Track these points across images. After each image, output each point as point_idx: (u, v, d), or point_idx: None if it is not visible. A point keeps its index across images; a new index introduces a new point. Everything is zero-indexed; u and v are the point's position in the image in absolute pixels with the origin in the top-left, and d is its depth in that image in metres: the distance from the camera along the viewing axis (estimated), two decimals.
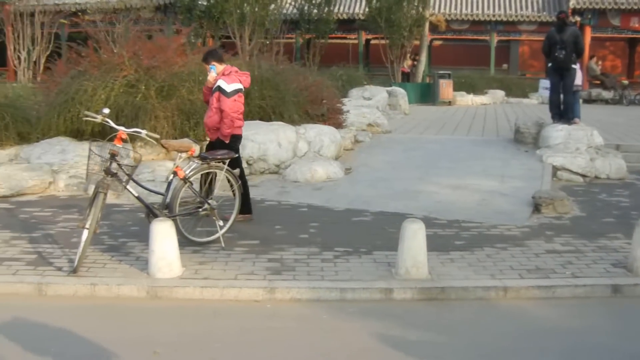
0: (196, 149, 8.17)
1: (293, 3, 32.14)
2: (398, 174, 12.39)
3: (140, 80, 12.31)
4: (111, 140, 7.85)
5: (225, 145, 8.95)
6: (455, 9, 34.21)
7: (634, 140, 16.46)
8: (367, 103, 20.37)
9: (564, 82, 14.38)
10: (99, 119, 7.87)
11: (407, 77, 32.03)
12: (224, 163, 8.26)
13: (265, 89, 13.45)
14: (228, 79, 8.90)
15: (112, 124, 7.92)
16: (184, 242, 7.84)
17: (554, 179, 12.21)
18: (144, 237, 7.89)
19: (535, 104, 28.52)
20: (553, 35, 14.17)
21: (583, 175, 12.42)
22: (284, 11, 30.94)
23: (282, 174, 12.06)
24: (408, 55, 32.05)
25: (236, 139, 9.15)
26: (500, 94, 30.40)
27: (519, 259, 7.80)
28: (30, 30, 24.41)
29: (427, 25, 31.18)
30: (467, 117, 22.89)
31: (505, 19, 33.60)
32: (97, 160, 7.66)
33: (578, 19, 30.43)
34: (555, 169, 12.51)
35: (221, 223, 8.23)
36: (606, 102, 29.70)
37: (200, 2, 28.49)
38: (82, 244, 7.29)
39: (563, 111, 14.67)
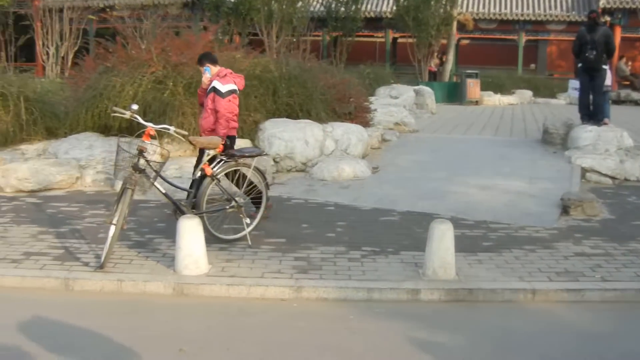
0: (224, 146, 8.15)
1: (320, 0, 32.09)
2: (425, 173, 12.31)
3: (168, 77, 12.32)
4: (139, 136, 7.85)
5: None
6: (484, 8, 33.99)
7: None
8: (394, 102, 20.29)
9: (594, 82, 14.24)
10: (127, 115, 7.87)
11: (434, 76, 31.91)
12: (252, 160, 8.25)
13: (293, 86, 13.42)
14: (223, 80, 8.87)
15: (141, 120, 7.93)
16: (211, 240, 7.82)
17: (583, 181, 12.06)
18: (170, 233, 7.89)
19: (563, 104, 28.25)
20: (583, 35, 14.02)
21: (612, 177, 12.26)
22: (311, 9, 30.90)
23: (309, 172, 12.02)
24: (435, 54, 31.90)
25: (231, 140, 9.07)
26: (527, 94, 30.14)
27: (548, 262, 7.70)
28: (58, 26, 24.50)
29: (454, 24, 31.00)
30: (494, 117, 22.73)
31: (533, 19, 33.34)
32: (125, 156, 7.67)
33: (608, 18, 30.10)
34: (584, 171, 12.36)
35: (248, 221, 8.21)
36: (635, 103, 29.36)
37: (227, 0, 28.52)
38: (109, 240, 7.31)
39: (592, 112, 14.51)
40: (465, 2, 33.86)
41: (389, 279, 7.11)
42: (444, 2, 29.84)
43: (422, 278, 7.13)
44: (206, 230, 7.65)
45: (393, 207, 9.96)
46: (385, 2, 34.06)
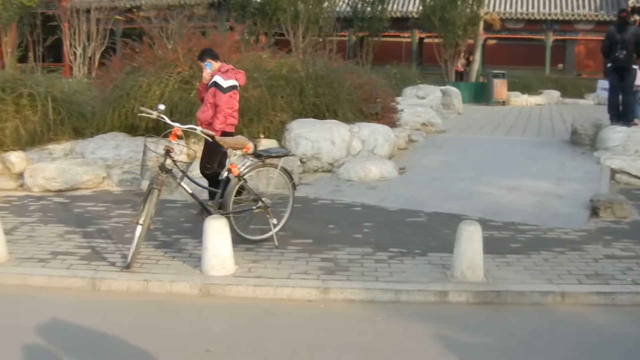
0: (251, 146, 8.13)
1: (346, 1, 32.02)
2: (452, 174, 12.23)
3: (194, 77, 12.30)
4: (166, 136, 7.86)
5: (214, 142, 8.52)
6: (510, 7, 33.77)
7: None
8: (421, 102, 20.21)
9: (624, 82, 14.09)
10: (154, 115, 7.87)
11: (460, 77, 31.76)
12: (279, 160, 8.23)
13: (320, 86, 13.37)
14: (224, 76, 8.87)
15: (168, 120, 7.92)
16: (237, 240, 7.79)
17: (612, 182, 11.92)
18: (197, 233, 7.87)
19: (592, 104, 27.99)
20: (613, 35, 13.87)
21: None
22: (338, 9, 30.84)
23: (336, 173, 11.98)
24: (462, 54, 31.75)
25: (226, 135, 8.98)
26: (555, 94, 29.94)
27: (577, 264, 7.60)
28: (85, 26, 24.66)
29: (481, 24, 30.85)
30: (521, 118, 22.58)
31: (561, 18, 33.08)
32: (151, 156, 7.69)
33: (637, 17, 29.80)
34: (613, 172, 12.20)
35: (274, 221, 8.17)
36: None
37: (254, 0, 28.52)
38: (135, 240, 7.31)
39: (622, 112, 14.36)
40: (492, 2, 33.65)
41: (417, 280, 7.05)
42: (470, 2, 29.68)
43: (450, 280, 7.07)
44: (233, 230, 7.62)
45: (420, 208, 9.89)
46: (412, 2, 33.95)
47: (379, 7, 31.23)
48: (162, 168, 7.54)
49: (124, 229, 8.75)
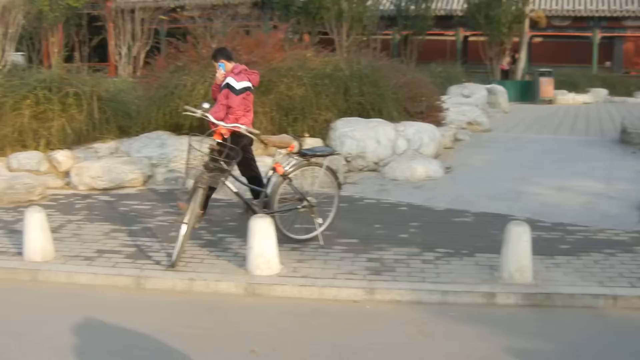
0: (296, 145, 8.06)
1: None
2: (499, 173, 12.07)
3: None
4: (210, 135, 7.83)
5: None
6: (557, 4, 33.36)
7: None
8: (466, 101, 20.04)
9: None
10: (198, 113, 7.86)
11: (506, 75, 31.46)
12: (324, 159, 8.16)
13: (364, 85, 13.26)
14: (237, 77, 8.70)
15: (212, 119, 7.90)
16: (282, 239, 7.73)
17: None
18: (242, 232, 7.83)
19: None
20: None
21: None
22: (381, 7, 30.72)
23: (381, 172, 11.89)
24: (507, 52, 31.44)
25: (239, 135, 8.79)
26: (603, 92, 29.48)
27: (629, 266, 7.39)
28: (130, 26, 24.86)
29: (527, 21, 30.55)
30: (569, 116, 22.30)
31: (609, 15, 32.62)
32: (196, 155, 7.66)
33: None
34: None
35: (320, 220, 8.11)
36: None
37: None
38: (180, 239, 7.29)
39: None
40: None
41: (464, 281, 6.93)
42: (515, 0, 29.38)
43: (498, 281, 6.93)
44: (278, 230, 7.56)
45: (467, 208, 9.75)
46: (456, 0, 33.70)
47: (423, 6, 31.09)
48: (207, 167, 7.51)
49: (169, 227, 8.75)
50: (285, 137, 8.30)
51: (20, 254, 7.77)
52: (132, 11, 25.36)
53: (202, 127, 9.68)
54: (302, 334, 6.00)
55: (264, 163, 10.63)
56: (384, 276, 7.03)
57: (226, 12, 23.57)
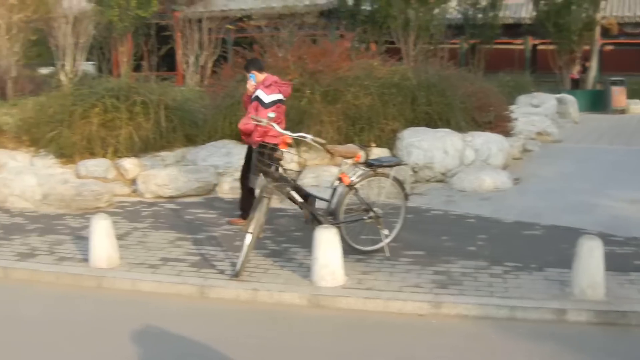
0: (362, 155, 7.96)
1: (458, 8, 31.57)
2: (570, 185, 11.78)
3: (305, 85, 12.31)
4: (276, 144, 7.79)
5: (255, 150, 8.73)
6: (629, 11, 32.57)
7: None
8: (535, 110, 19.71)
9: None
10: (264, 122, 7.83)
11: (576, 84, 30.85)
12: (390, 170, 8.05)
13: (432, 94, 13.13)
14: (267, 90, 8.81)
15: (277, 128, 7.87)
16: (348, 250, 7.63)
17: None
18: (307, 243, 7.74)
19: None
20: None
21: None
22: (449, 16, 30.43)
23: (448, 183, 11.73)
24: (577, 60, 30.84)
25: (271, 148, 8.87)
26: None
27: None
28: (198, 35, 25.08)
29: (598, 29, 29.90)
30: None
31: None
32: (261, 165, 7.62)
33: None
34: None
35: (386, 232, 7.99)
36: None
37: (363, 8, 28.44)
38: (245, 248, 7.25)
39: None
40: (609, 6, 32.51)
41: (533, 297, 6.72)
42: (586, 7, 28.80)
43: (569, 298, 6.70)
44: (343, 240, 7.47)
45: (536, 221, 9.51)
46: (525, 8, 33.20)
47: (491, 14, 30.68)
48: (272, 176, 7.47)
49: (234, 236, 8.74)
50: (351, 147, 8.22)
51: (86, 260, 7.85)
52: (200, 21, 25.59)
53: None
54: (367, 347, 5.89)
55: (330, 173, 10.61)
56: (450, 290, 6.87)
57: (293, 22, 23.59)
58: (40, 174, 11.03)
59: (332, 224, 7.44)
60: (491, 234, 8.88)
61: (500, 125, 14.56)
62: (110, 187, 11.14)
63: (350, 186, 7.75)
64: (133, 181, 11.65)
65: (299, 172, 7.99)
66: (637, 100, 27.85)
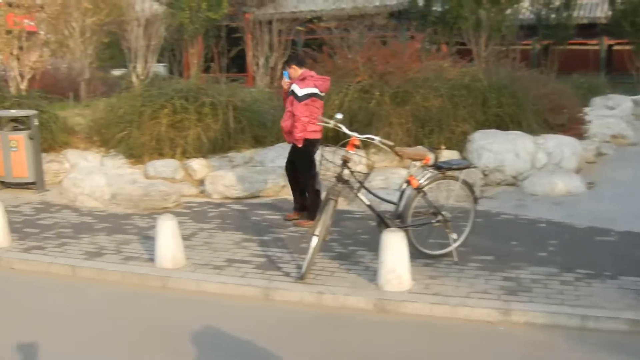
0: (431, 157, 7.83)
1: (530, 8, 31.06)
2: None
3: (374, 86, 12.22)
4: (344, 146, 7.70)
5: (298, 149, 9.08)
6: None
7: None
8: (610, 113, 19.21)
9: None
10: (331, 124, 7.78)
11: None
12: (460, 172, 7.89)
13: (503, 96, 12.89)
14: (302, 84, 8.91)
15: (345, 130, 7.79)
16: (415, 254, 7.51)
17: None
18: (374, 246, 7.64)
19: None
20: None
21: None
22: (521, 16, 29.94)
23: (519, 186, 11.48)
24: None
25: (310, 142, 9.10)
26: None
27: None
28: (268, 37, 25.16)
29: None
30: None
31: None
32: (328, 166, 7.55)
33: None
34: None
35: (454, 236, 7.84)
36: None
37: (434, 8, 28.20)
38: (310, 251, 7.19)
39: None
40: None
41: (606, 306, 6.48)
42: None
43: None
44: (410, 244, 7.35)
45: (610, 227, 9.22)
46: (600, 8, 32.49)
47: (565, 14, 30.09)
48: (339, 178, 7.40)
49: (300, 238, 8.70)
50: (420, 149, 8.12)
51: (152, 260, 7.90)
52: (270, 22, 25.67)
53: (337, 138, 9.58)
54: (432, 354, 5.79)
55: (398, 175, 10.49)
56: (519, 296, 6.68)
57: (363, 23, 23.49)
58: (109, 174, 11.17)
59: (399, 227, 7.33)
60: (563, 240, 8.64)
61: (574, 127, 14.23)
62: (178, 188, 11.20)
63: (419, 189, 7.62)
64: (201, 182, 11.70)
65: (367, 174, 7.88)
66: None
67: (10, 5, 19.42)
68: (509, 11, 26.89)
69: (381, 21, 27.02)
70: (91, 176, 11.08)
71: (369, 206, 7.71)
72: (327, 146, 7.89)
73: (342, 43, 15.40)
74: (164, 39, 23.26)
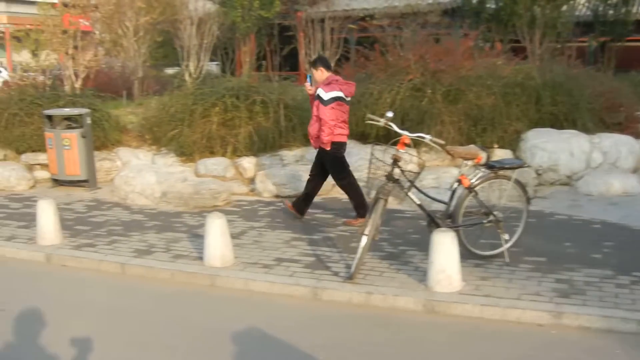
0: (483, 156, 7.70)
1: (587, 4, 30.55)
2: None
3: (426, 84, 12.10)
4: (394, 144, 7.61)
5: (327, 154, 9.08)
6: None
7: None
8: None
9: None
10: (381, 122, 7.70)
11: None
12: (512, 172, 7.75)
13: (558, 94, 12.66)
14: (327, 88, 8.88)
15: (396, 128, 7.71)
16: (466, 255, 7.41)
17: None
18: (424, 246, 7.55)
19: None
20: None
21: None
22: (577, 13, 29.48)
23: (574, 186, 11.26)
24: None
25: (338, 146, 9.10)
26: None
27: None
28: (320, 35, 25.12)
29: None
30: None
31: None
32: (378, 165, 7.48)
33: None
34: None
35: (506, 236, 7.69)
36: None
37: (488, 5, 27.89)
38: (360, 250, 7.14)
39: None
40: None
41: None
42: None
43: None
44: (461, 244, 7.25)
45: None
46: None
47: (623, 10, 29.55)
48: (390, 177, 7.32)
49: (350, 237, 8.66)
50: (472, 148, 8.00)
51: (201, 258, 7.91)
52: (322, 20, 25.61)
53: (388, 137, 9.51)
54: (482, 356, 5.69)
55: (450, 174, 10.37)
56: (572, 299, 6.53)
57: (415, 21, 23.32)
58: (160, 172, 11.23)
59: (450, 227, 7.24)
60: (619, 241, 8.44)
61: (631, 126, 13.91)
62: (229, 186, 11.23)
63: (470, 188, 7.51)
64: (251, 180, 11.72)
65: (418, 174, 7.78)
66: None
67: (66, 5, 19.69)
68: (564, 8, 26.47)
69: (434, 19, 26.76)
70: (142, 174, 11.16)
71: (420, 205, 7.62)
72: (378, 145, 7.81)
73: (394, 41, 15.29)
74: (217, 38, 23.32)
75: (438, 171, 11.01)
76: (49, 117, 12.24)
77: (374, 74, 12.85)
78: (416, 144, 10.01)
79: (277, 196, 11.07)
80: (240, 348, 5.85)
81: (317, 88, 9.06)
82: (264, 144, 12.44)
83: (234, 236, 8.18)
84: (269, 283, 7.25)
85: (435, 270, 6.82)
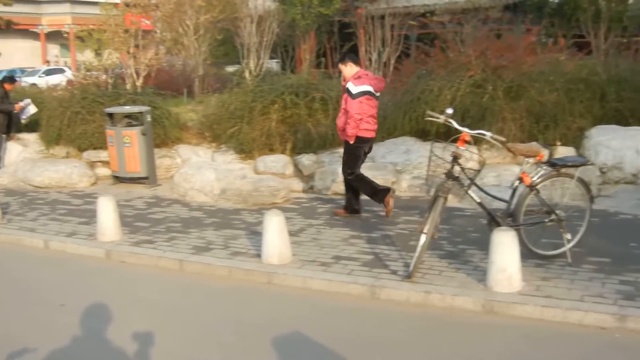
0: (545, 154, 7.54)
1: None
2: None
3: (487, 80, 11.93)
4: (454, 142, 7.50)
5: (348, 146, 9.08)
6: None
7: None
8: None
9: None
10: (441, 119, 7.60)
11: None
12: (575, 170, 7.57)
13: (624, 90, 12.35)
14: (357, 82, 8.96)
15: (456, 125, 7.58)
16: (527, 254, 7.26)
17: None
18: (484, 245, 7.41)
19: None
20: None
21: None
22: None
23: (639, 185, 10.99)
24: None
25: (362, 141, 9.15)
26: None
27: None
28: (380, 32, 25.00)
29: None
30: None
31: None
32: (438, 163, 7.38)
33: None
34: None
35: (569, 236, 7.52)
36: None
37: (551, 0, 27.48)
38: (418, 249, 7.06)
39: None
40: None
41: None
42: None
43: None
44: (522, 244, 7.11)
45: None
46: None
47: None
48: (449, 175, 7.22)
49: (409, 236, 8.57)
50: (533, 146, 7.82)
51: (258, 256, 7.91)
52: (382, 17, 25.46)
53: (448, 134, 9.39)
54: (542, 359, 5.54)
55: (511, 172, 10.20)
56: (638, 302, 6.32)
57: (477, 17, 23.05)
58: (219, 169, 11.29)
59: (511, 226, 7.10)
60: None
61: None
62: (288, 183, 11.23)
63: (532, 187, 7.36)
64: (310, 177, 11.68)
65: (478, 171, 7.66)
66: None
67: (127, 5, 19.93)
68: (631, 1, 25.95)
69: (496, 14, 26.44)
70: (201, 171, 11.22)
71: (480, 204, 7.50)
72: (438, 142, 7.71)
73: (455, 37, 15.13)
74: (277, 35, 23.38)
75: (499, 169, 10.85)
76: (110, 115, 12.41)
77: (434, 70, 12.72)
78: (477, 141, 9.86)
79: (336, 193, 11.03)
80: (295, 346, 5.83)
81: (346, 82, 9.09)
82: (324, 141, 12.40)
83: (292, 234, 8.17)
84: (326, 281, 7.22)
85: (495, 270, 6.70)
